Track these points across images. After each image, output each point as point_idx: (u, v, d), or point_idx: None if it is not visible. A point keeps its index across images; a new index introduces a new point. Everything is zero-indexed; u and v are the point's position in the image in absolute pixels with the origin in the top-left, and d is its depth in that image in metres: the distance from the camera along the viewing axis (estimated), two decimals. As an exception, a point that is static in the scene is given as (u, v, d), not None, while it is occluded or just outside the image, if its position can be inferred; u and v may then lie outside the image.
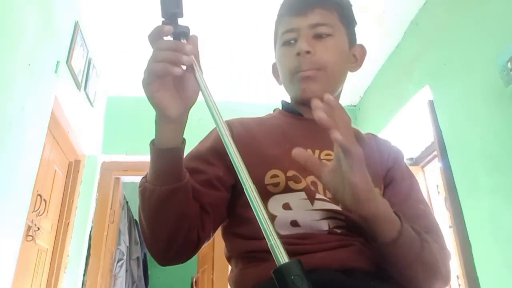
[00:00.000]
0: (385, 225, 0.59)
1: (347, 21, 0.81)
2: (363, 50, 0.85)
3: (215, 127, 0.79)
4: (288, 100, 0.87)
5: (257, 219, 0.50)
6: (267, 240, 0.49)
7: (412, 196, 0.75)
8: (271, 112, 0.89)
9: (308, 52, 0.73)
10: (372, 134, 0.87)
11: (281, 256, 0.47)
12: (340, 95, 0.85)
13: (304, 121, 0.79)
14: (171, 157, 0.61)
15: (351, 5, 0.82)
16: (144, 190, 0.62)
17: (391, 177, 0.77)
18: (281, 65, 0.79)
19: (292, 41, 0.77)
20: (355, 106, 3.31)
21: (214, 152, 0.73)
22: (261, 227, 0.50)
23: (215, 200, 0.69)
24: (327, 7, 0.77)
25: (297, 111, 0.82)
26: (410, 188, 0.77)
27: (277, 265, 0.47)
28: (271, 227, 0.49)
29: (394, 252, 0.59)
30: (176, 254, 0.67)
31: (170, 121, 0.59)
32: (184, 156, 0.72)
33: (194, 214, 0.65)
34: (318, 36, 0.76)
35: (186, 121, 0.62)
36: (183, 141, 0.63)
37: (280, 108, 0.87)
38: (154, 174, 0.61)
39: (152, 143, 0.61)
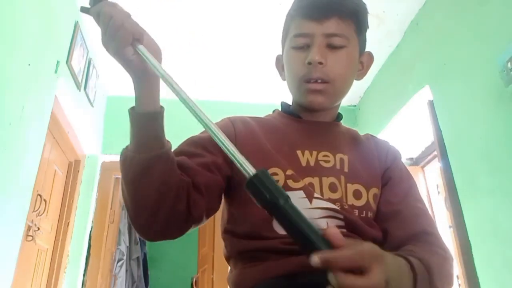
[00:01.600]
0: None
1: (362, 29, 0.80)
2: (370, 58, 0.84)
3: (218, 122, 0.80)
4: (287, 101, 0.88)
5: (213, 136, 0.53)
6: (231, 157, 0.52)
7: (411, 196, 0.76)
8: (271, 112, 0.90)
9: (320, 63, 0.72)
10: (370, 134, 0.88)
11: (249, 169, 0.50)
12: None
13: (303, 123, 0.80)
14: (153, 121, 0.61)
15: (367, 12, 0.80)
16: (125, 159, 0.61)
17: (389, 176, 0.78)
18: (289, 69, 0.79)
19: (304, 46, 0.75)
20: (355, 106, 3.31)
21: (215, 143, 0.73)
22: (220, 144, 0.52)
23: (210, 182, 0.68)
24: (344, 17, 0.75)
25: (296, 114, 0.82)
26: (409, 188, 0.77)
27: (248, 178, 0.49)
28: (229, 144, 0.52)
29: None
30: (162, 226, 0.63)
31: (150, 81, 0.60)
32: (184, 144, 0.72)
33: (178, 185, 0.62)
34: (331, 47, 0.74)
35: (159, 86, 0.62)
36: (162, 107, 0.62)
37: (280, 109, 0.87)
38: (135, 142, 0.61)
39: (132, 109, 0.61)
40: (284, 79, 0.86)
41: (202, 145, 0.72)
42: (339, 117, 0.85)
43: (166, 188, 0.61)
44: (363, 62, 0.82)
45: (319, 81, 0.74)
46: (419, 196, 0.78)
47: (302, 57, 0.75)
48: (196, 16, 2.35)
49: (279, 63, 0.87)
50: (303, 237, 0.45)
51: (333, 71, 0.74)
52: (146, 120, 0.60)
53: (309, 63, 0.73)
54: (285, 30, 0.82)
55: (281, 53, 0.86)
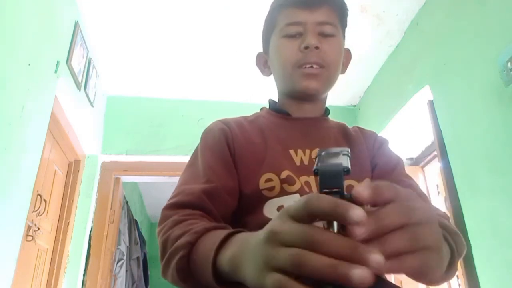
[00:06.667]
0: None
1: (344, 24, 0.82)
2: (349, 54, 0.87)
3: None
4: (275, 98, 0.87)
5: None
6: None
7: (397, 171, 0.77)
8: (258, 111, 0.89)
9: (317, 48, 0.74)
10: (358, 127, 0.88)
11: None
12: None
13: (293, 121, 0.80)
14: None
15: (348, 10, 0.83)
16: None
17: (376, 162, 0.78)
18: (281, 57, 0.78)
19: (296, 35, 0.76)
20: (355, 106, 3.31)
21: (219, 167, 0.71)
22: None
23: (227, 213, 0.69)
24: (333, 7, 0.77)
25: (285, 111, 0.82)
26: (396, 165, 0.78)
27: None
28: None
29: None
30: None
31: None
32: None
33: None
34: (323, 35, 0.76)
35: None
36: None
37: (267, 107, 0.87)
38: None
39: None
40: (267, 75, 0.87)
41: (209, 179, 0.69)
42: (326, 111, 0.85)
43: None
44: (344, 57, 0.83)
45: (315, 66, 0.75)
46: (405, 172, 0.78)
47: (295, 44, 0.76)
48: (196, 15, 2.35)
49: (260, 59, 0.88)
50: None
51: (328, 56, 0.75)
52: None
53: (306, 47, 0.74)
54: (271, 21, 0.82)
55: (261, 50, 0.87)
